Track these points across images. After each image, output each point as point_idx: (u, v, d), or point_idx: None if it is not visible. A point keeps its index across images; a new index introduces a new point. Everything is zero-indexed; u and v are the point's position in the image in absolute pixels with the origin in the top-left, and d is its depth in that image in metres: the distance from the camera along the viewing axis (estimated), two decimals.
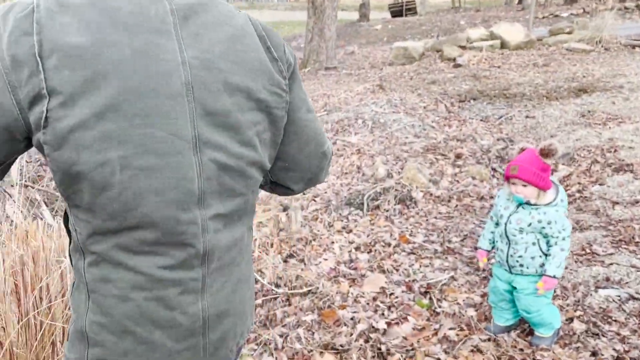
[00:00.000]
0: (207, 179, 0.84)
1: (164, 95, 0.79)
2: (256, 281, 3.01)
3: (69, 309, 1.72)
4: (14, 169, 3.59)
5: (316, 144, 1.07)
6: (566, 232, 2.25)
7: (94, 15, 0.76)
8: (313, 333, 2.59)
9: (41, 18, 0.74)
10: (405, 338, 2.52)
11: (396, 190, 4.16)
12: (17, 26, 0.74)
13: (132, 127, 0.77)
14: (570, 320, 2.52)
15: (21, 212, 3.26)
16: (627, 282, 2.73)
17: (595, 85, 6.63)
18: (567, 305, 2.63)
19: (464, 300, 2.77)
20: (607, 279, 2.78)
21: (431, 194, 4.18)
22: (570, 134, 5.03)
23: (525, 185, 2.25)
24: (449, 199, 4.11)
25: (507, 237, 2.34)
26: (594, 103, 5.88)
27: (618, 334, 2.39)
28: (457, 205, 4.01)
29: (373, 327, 2.61)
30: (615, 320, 2.48)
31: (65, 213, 0.94)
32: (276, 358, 2.42)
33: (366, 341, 2.50)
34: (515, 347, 2.39)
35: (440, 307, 2.74)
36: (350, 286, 2.99)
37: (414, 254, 3.34)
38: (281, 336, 2.58)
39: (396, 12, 22.63)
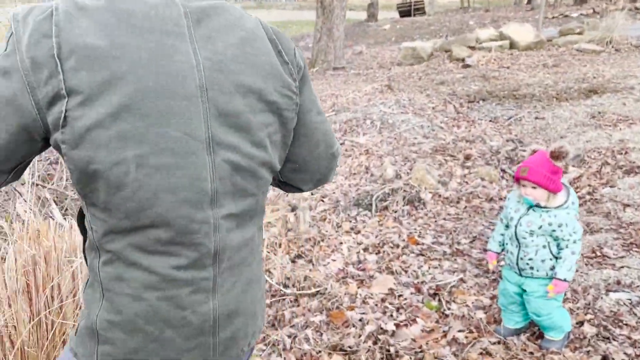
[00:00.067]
0: (220, 179, 0.86)
1: (179, 96, 0.80)
2: None
3: (80, 308, 1.73)
4: None
5: (326, 145, 1.09)
6: (577, 235, 2.24)
7: (110, 18, 0.78)
8: (321, 334, 2.59)
9: (60, 21, 0.76)
10: (414, 340, 2.51)
11: (405, 191, 4.15)
12: (36, 29, 0.76)
13: (148, 127, 0.78)
14: (581, 323, 2.50)
15: (31, 210, 3.28)
16: (638, 286, 2.71)
17: (606, 86, 6.58)
18: (578, 308, 2.62)
19: (473, 303, 2.76)
20: (618, 282, 2.76)
21: (440, 195, 4.16)
22: (581, 135, 5.00)
23: (534, 188, 2.24)
24: (458, 200, 4.10)
25: (517, 239, 2.33)
26: (605, 104, 5.84)
27: (629, 338, 2.37)
28: (466, 207, 3.99)
29: (382, 328, 2.60)
30: (626, 324, 2.46)
31: (79, 212, 0.95)
32: (284, 358, 2.42)
33: (375, 343, 2.50)
34: (525, 350, 2.37)
35: (449, 309, 2.73)
36: (358, 287, 2.99)
37: (422, 255, 3.32)
38: (289, 337, 2.58)
39: (404, 12, 22.58)
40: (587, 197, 3.91)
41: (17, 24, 0.77)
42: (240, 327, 0.97)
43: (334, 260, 3.32)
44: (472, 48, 10.06)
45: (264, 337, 2.57)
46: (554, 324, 2.33)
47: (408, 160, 4.76)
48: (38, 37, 0.75)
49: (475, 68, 8.61)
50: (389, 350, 2.43)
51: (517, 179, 2.30)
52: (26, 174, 3.66)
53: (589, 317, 2.54)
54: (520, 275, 2.37)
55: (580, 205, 3.75)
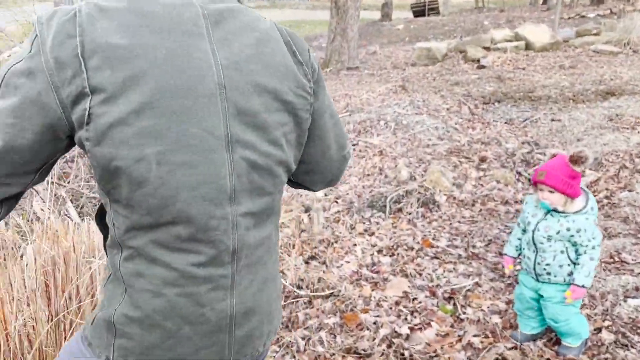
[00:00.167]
0: (238, 177, 0.87)
1: (199, 94, 0.82)
2: None
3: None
4: None
5: (338, 147, 1.12)
6: (596, 241, 2.21)
7: (131, 18, 0.81)
8: (335, 336, 2.58)
9: (83, 22, 0.78)
10: (428, 344, 2.50)
11: (419, 193, 4.13)
12: (60, 30, 0.78)
13: (168, 124, 0.80)
14: (599, 330, 2.47)
15: (49, 209, 3.31)
16: None
17: (624, 88, 6.49)
18: (595, 314, 2.58)
19: (488, 307, 2.74)
20: (637, 289, 2.72)
21: (455, 198, 4.13)
22: (598, 138, 4.93)
23: (552, 192, 2.21)
24: (473, 203, 4.07)
25: (534, 244, 2.31)
26: (622, 106, 5.75)
27: None
28: (481, 210, 3.96)
29: (396, 332, 2.59)
30: None
31: (99, 210, 0.97)
32: None
33: (389, 346, 2.49)
34: (542, 356, 2.35)
35: (464, 313, 2.71)
36: (372, 290, 2.98)
37: (437, 258, 3.30)
38: (303, 338, 2.58)
39: (418, 12, 22.46)
40: (605, 201, 3.86)
41: (41, 26, 0.79)
42: (256, 325, 0.97)
43: (348, 262, 3.31)
44: (487, 49, 9.97)
45: (278, 339, 2.57)
46: (572, 330, 2.30)
47: (422, 161, 4.74)
48: (62, 38, 0.77)
49: (490, 69, 8.54)
50: (403, 354, 2.42)
51: (535, 183, 2.28)
52: None
53: (606, 323, 2.51)
54: (537, 280, 2.34)
55: (598, 209, 3.70)
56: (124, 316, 0.88)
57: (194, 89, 0.82)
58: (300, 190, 4.02)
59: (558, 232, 2.23)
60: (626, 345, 2.35)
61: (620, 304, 2.62)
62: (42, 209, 3.49)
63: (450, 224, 3.77)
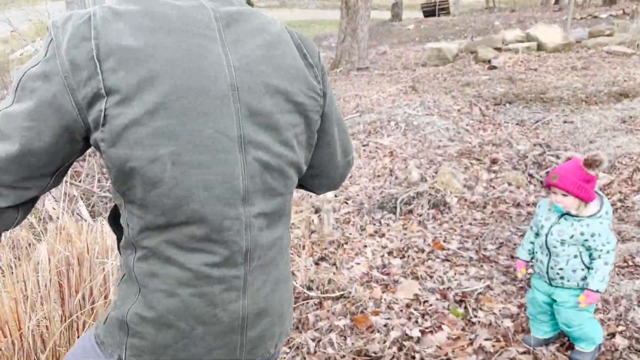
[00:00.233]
0: (251, 177, 0.88)
1: (212, 95, 0.83)
2: None
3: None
4: None
5: (343, 152, 1.14)
6: (610, 246, 2.18)
7: (145, 21, 0.82)
8: (345, 338, 2.58)
9: (98, 25, 0.80)
10: (439, 347, 2.48)
11: (430, 194, 4.11)
12: (75, 33, 0.79)
13: (182, 125, 0.81)
14: (612, 335, 2.45)
15: (62, 208, 3.33)
16: None
17: (637, 89, 6.43)
18: (609, 319, 2.55)
19: (500, 311, 2.72)
20: None
21: (466, 200, 4.11)
22: (611, 140, 4.88)
23: (565, 195, 2.19)
24: (484, 205, 4.04)
25: (547, 248, 2.29)
26: (636, 108, 5.69)
27: None
28: (492, 212, 3.93)
29: (407, 334, 2.58)
30: None
31: (112, 212, 0.98)
32: None
33: (400, 349, 2.48)
34: None
35: (475, 316, 2.69)
36: (383, 292, 2.97)
37: (448, 260, 3.29)
38: (313, 340, 2.57)
39: (429, 12, 22.36)
40: (618, 204, 3.83)
41: (56, 30, 0.80)
42: (267, 327, 0.98)
43: (358, 264, 3.30)
44: (498, 49, 9.91)
45: (288, 340, 2.57)
46: (585, 335, 2.27)
47: (433, 163, 4.72)
48: (77, 41, 0.78)
49: (502, 70, 8.49)
50: (414, 357, 2.41)
51: (548, 186, 2.26)
52: None
53: (620, 328, 2.48)
54: (550, 284, 2.32)
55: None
56: (137, 316, 0.88)
57: (207, 90, 0.83)
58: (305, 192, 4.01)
59: (572, 237, 2.21)
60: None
61: (634, 309, 2.59)
62: (54, 208, 3.51)
63: (462, 226, 3.75)
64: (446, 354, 2.43)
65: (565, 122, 5.59)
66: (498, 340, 2.50)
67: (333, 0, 30.55)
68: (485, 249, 3.40)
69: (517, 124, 5.69)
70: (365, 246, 3.51)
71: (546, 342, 2.44)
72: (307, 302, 2.89)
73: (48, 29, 0.81)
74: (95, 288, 1.64)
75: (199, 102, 0.82)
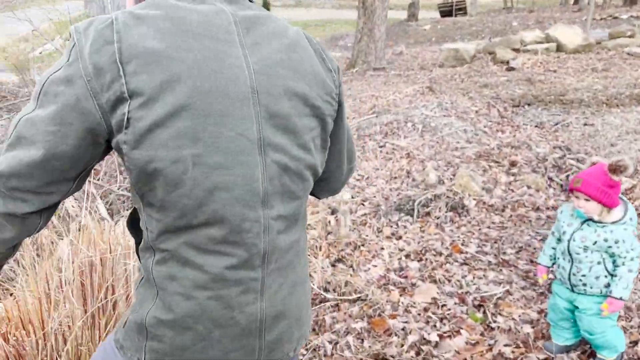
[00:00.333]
0: (270, 180, 0.88)
1: (232, 98, 0.84)
2: None
3: None
4: None
5: (348, 159, 1.16)
6: (635, 253, 2.14)
7: (166, 25, 0.83)
8: (362, 341, 2.57)
9: (120, 29, 0.81)
10: (457, 352, 2.46)
11: (447, 197, 4.07)
12: (97, 37, 0.80)
13: (204, 126, 0.81)
14: (635, 343, 2.40)
15: (79, 206, 3.37)
16: None
17: None
18: (632, 327, 2.51)
19: (520, 316, 2.68)
20: None
21: (484, 203, 4.07)
22: (632, 143, 4.80)
23: (587, 200, 2.16)
24: (503, 208, 4.00)
25: (570, 254, 2.25)
26: None
27: None
28: (511, 215, 3.89)
29: (424, 338, 2.56)
30: None
31: (130, 216, 0.98)
32: None
33: (417, 353, 2.46)
34: None
35: (494, 321, 2.66)
36: (400, 295, 2.95)
37: (466, 264, 3.26)
38: (330, 342, 2.57)
39: (446, 12, 22.23)
40: None
41: (79, 35, 0.81)
42: (285, 330, 0.97)
43: (375, 266, 3.28)
44: (517, 50, 9.81)
45: (305, 342, 2.56)
46: (608, 343, 2.24)
47: (451, 165, 4.68)
48: (100, 45, 0.79)
49: (520, 71, 8.40)
50: None
51: (571, 190, 2.23)
52: None
53: None
54: (572, 291, 2.29)
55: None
56: (156, 319, 0.89)
57: (228, 92, 0.83)
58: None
59: (595, 243, 2.17)
60: None
61: None
62: (72, 206, 3.55)
63: (480, 229, 3.72)
64: (465, 359, 2.40)
65: (585, 124, 5.51)
66: (518, 347, 2.47)
67: (349, 0, 30.48)
68: (504, 253, 3.36)
69: (536, 126, 5.62)
70: (382, 248, 3.49)
71: (567, 349, 2.41)
72: (324, 304, 2.88)
73: (70, 35, 0.82)
74: (117, 288, 1.65)
75: (219, 104, 0.82)
